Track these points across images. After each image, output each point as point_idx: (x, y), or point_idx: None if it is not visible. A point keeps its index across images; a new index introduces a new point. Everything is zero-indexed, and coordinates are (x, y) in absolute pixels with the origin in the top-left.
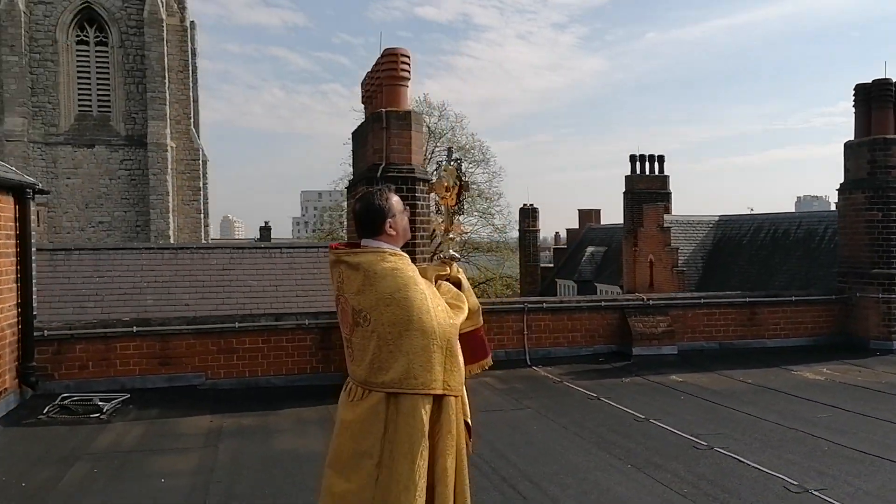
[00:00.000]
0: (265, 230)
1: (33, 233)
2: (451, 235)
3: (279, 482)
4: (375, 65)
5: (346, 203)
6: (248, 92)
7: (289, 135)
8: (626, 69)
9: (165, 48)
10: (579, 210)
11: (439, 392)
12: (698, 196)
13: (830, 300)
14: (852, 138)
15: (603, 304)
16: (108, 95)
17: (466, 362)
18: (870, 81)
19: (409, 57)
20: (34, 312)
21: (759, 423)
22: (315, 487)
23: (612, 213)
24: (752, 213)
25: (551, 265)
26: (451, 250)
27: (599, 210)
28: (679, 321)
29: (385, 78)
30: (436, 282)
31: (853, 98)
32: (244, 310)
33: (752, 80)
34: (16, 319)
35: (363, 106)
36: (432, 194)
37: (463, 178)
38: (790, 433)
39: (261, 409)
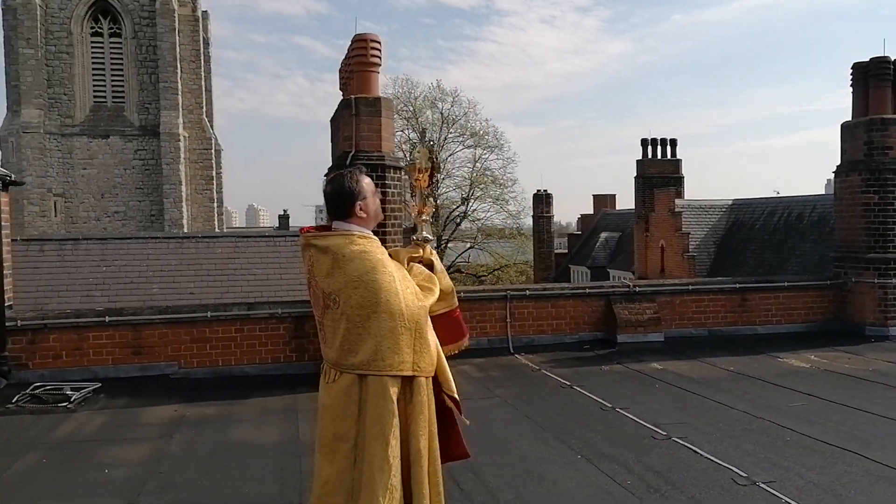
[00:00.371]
0: (284, 218)
1: (5, 223)
2: (424, 217)
3: (223, 473)
4: (348, 51)
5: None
6: (274, 81)
7: (314, 123)
8: (651, 52)
9: (177, 38)
10: (594, 195)
11: (409, 373)
12: (726, 180)
13: (825, 286)
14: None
15: (588, 290)
16: (122, 86)
17: (443, 343)
18: (867, 60)
19: (379, 43)
20: (9, 303)
21: (727, 411)
22: (260, 478)
23: (630, 199)
24: (767, 196)
25: (566, 251)
26: (424, 232)
27: (615, 195)
28: (667, 308)
29: (355, 64)
30: (408, 264)
31: (850, 77)
32: (249, 298)
33: (779, 60)
34: None
35: (341, 94)
36: (405, 178)
37: (435, 160)
38: (756, 422)
39: (229, 399)
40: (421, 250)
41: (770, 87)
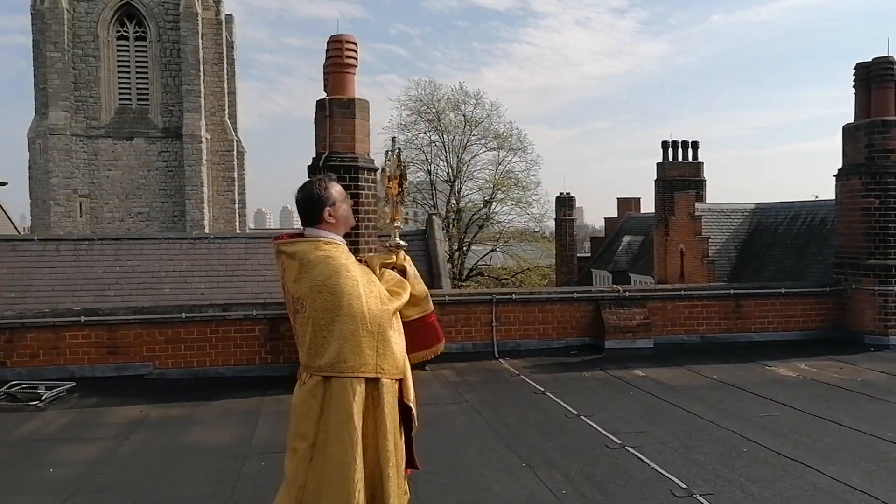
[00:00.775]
0: None
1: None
2: (396, 224)
3: (166, 475)
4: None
5: None
6: (308, 84)
7: None
8: (688, 53)
9: (200, 42)
10: (618, 198)
11: (371, 375)
12: (763, 183)
13: (824, 292)
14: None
15: (576, 295)
16: (147, 89)
17: (418, 348)
18: (870, 60)
19: (355, 44)
20: None
21: (693, 420)
22: (198, 481)
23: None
24: (790, 200)
25: (589, 255)
26: (397, 238)
27: (639, 198)
28: (658, 314)
29: (330, 65)
30: (380, 269)
31: (853, 78)
32: (258, 299)
33: (821, 62)
34: None
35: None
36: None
37: (403, 167)
38: (718, 432)
39: (197, 400)
40: (394, 256)
41: (812, 90)
